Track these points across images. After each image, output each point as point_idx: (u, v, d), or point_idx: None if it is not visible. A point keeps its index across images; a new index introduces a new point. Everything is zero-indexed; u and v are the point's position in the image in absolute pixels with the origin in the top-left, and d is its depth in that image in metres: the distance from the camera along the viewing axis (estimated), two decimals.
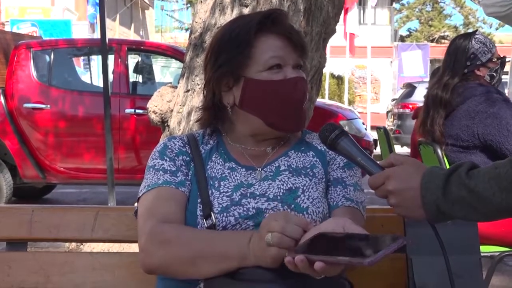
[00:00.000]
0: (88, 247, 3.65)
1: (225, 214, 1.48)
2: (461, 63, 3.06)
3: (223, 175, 1.56)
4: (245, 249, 1.36)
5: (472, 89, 2.99)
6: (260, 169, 1.58)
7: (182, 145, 1.62)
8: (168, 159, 1.58)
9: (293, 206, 1.50)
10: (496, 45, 3.24)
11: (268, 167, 1.59)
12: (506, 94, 8.84)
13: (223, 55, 1.57)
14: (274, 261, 1.30)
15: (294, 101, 1.56)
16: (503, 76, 3.75)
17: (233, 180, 1.55)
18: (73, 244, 4.07)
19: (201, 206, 1.50)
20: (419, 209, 1.31)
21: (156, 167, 1.57)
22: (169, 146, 1.61)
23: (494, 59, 3.10)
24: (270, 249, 1.29)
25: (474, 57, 3.05)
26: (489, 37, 3.36)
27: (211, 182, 1.54)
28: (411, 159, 1.37)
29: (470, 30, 3.26)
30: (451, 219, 1.30)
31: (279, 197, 1.51)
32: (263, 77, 1.55)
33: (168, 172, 1.55)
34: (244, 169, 1.58)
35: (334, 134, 1.43)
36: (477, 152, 2.95)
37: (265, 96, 1.55)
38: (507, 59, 3.42)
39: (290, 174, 1.57)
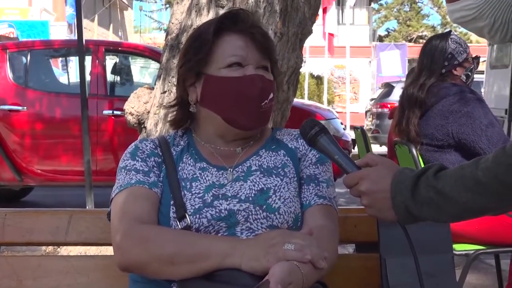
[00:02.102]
0: (65, 250, 3.62)
1: (197, 216, 1.48)
2: (439, 63, 3.09)
3: (194, 175, 1.56)
4: (230, 246, 1.37)
5: (446, 89, 3.02)
6: (231, 169, 1.58)
7: (153, 147, 1.62)
8: (140, 160, 1.58)
9: (264, 207, 1.51)
10: (472, 44, 3.30)
11: (240, 167, 1.59)
12: (482, 94, 8.89)
13: (188, 54, 1.62)
14: (268, 265, 1.31)
15: (250, 98, 1.56)
16: (478, 76, 3.79)
17: (205, 180, 1.55)
18: (50, 248, 4.03)
19: (174, 208, 1.50)
20: (389, 211, 1.33)
21: (127, 168, 1.57)
22: (140, 148, 1.61)
23: (469, 59, 3.13)
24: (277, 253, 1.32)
25: (451, 57, 3.09)
26: (466, 37, 3.41)
27: (183, 184, 1.55)
28: (386, 160, 1.39)
29: (448, 30, 3.29)
30: (421, 220, 1.32)
31: (250, 198, 1.52)
32: (221, 74, 1.57)
33: (141, 172, 1.56)
34: (215, 169, 1.58)
35: (314, 130, 1.45)
36: (451, 151, 2.98)
37: (222, 93, 1.57)
38: (482, 59, 3.47)
39: (262, 175, 1.57)
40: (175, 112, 1.70)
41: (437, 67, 3.09)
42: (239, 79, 1.56)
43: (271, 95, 1.60)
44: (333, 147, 1.44)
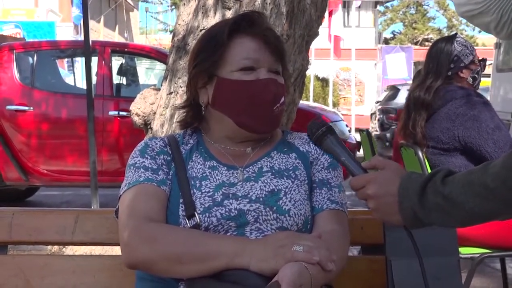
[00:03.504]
0: (70, 249, 3.63)
1: (207, 214, 1.48)
2: (445, 65, 3.09)
3: (204, 174, 1.56)
4: (239, 247, 1.37)
5: (453, 92, 3.02)
6: (242, 169, 1.58)
7: (163, 145, 1.62)
8: (149, 157, 1.58)
9: (275, 208, 1.51)
10: (479, 47, 3.30)
11: (251, 167, 1.59)
12: (488, 97, 8.86)
13: (200, 55, 1.60)
14: (276, 267, 1.32)
15: (263, 102, 1.56)
16: (485, 79, 3.79)
17: (214, 179, 1.56)
18: (55, 247, 4.05)
19: (183, 206, 1.50)
20: (396, 215, 1.33)
21: (137, 165, 1.57)
22: (150, 145, 1.62)
23: (476, 61, 3.13)
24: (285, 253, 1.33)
25: (457, 60, 3.09)
26: (472, 39, 3.41)
27: (193, 182, 1.55)
28: (393, 164, 1.38)
29: (454, 33, 3.30)
30: (428, 225, 1.31)
31: (261, 199, 1.52)
32: (234, 77, 1.56)
33: (150, 170, 1.56)
34: (225, 168, 1.58)
35: (321, 131, 1.46)
36: (457, 155, 2.97)
37: (235, 96, 1.56)
38: (488, 62, 3.47)
39: (273, 176, 1.57)
40: (184, 113, 1.69)
41: (443, 69, 3.09)
42: (253, 83, 1.55)
43: (283, 99, 1.60)
44: (340, 149, 1.44)
